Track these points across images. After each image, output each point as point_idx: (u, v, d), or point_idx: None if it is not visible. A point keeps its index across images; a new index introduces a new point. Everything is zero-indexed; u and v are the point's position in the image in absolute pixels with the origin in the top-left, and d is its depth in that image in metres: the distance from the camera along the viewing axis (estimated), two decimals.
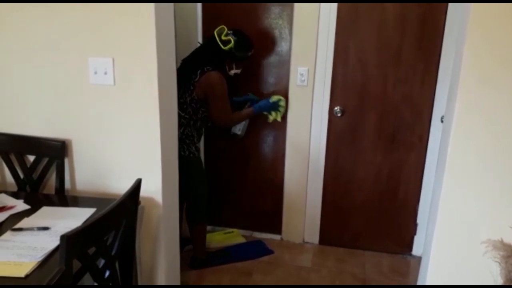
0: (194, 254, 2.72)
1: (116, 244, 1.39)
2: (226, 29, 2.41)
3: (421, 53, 2.57)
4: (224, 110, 2.47)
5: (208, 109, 2.46)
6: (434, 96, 2.61)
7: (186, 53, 2.52)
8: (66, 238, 1.08)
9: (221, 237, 3.06)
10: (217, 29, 2.42)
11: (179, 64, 2.51)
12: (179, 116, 2.35)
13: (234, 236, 3.09)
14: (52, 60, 1.79)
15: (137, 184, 1.50)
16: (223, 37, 2.39)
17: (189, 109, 2.42)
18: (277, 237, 3.12)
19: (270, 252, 2.93)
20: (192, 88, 2.39)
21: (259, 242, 3.04)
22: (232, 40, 2.39)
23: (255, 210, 3.13)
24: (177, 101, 2.24)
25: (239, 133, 2.80)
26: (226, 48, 2.39)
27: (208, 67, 2.40)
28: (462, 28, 1.64)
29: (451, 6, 2.44)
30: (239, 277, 2.62)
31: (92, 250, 1.27)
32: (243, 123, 2.77)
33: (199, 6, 2.79)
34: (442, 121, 2.57)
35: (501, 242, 1.65)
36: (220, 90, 2.41)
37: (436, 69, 2.57)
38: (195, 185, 2.58)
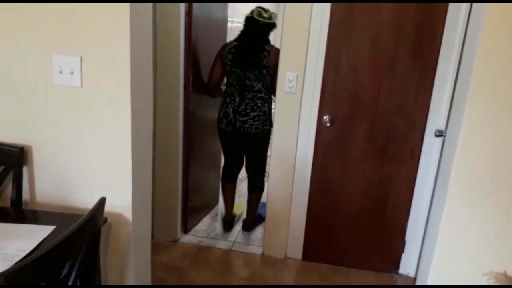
0: (247, 218, 3.18)
1: (73, 275, 1.19)
2: (260, 8, 2.66)
3: (417, 63, 2.42)
4: None
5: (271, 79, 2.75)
6: (429, 108, 2.47)
7: (167, 54, 2.31)
8: (5, 278, 0.88)
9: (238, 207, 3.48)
10: (255, 10, 2.62)
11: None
12: (265, 99, 2.80)
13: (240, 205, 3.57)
14: (11, 56, 1.58)
15: (100, 204, 1.30)
16: (265, 15, 2.63)
17: (269, 87, 2.78)
18: (258, 250, 2.94)
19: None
20: (267, 65, 2.67)
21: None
22: (275, 13, 2.69)
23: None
24: (264, 86, 2.74)
25: None
26: (275, 21, 2.68)
27: (267, 45, 2.71)
28: (473, 35, 1.48)
29: (450, 14, 2.30)
30: None
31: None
32: None
33: (182, 5, 2.59)
34: (436, 135, 2.44)
35: (504, 275, 1.52)
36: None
37: (431, 80, 2.43)
38: (266, 156, 3.01)
